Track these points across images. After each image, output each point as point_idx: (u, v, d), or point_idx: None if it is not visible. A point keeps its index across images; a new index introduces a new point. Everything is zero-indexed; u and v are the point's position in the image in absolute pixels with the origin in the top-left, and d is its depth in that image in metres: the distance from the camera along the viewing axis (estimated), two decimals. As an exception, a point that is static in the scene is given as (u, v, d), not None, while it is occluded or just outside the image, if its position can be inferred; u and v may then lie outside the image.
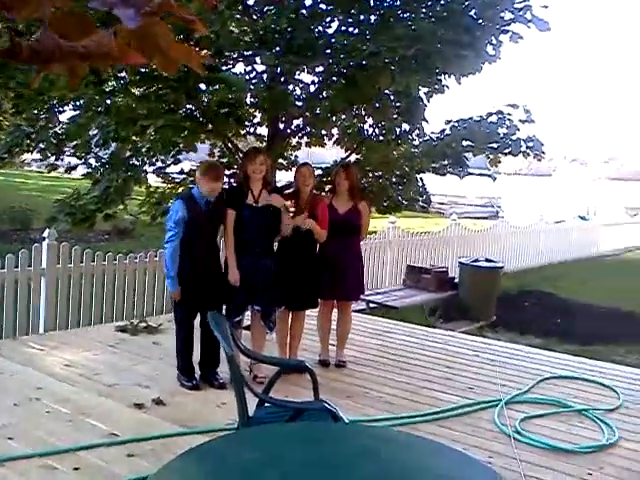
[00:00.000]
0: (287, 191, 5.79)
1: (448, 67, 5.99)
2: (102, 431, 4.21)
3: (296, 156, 8.16)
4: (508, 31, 5.79)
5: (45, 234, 6.54)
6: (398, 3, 6.14)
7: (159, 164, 7.05)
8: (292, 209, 5.42)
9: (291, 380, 4.98)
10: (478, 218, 24.47)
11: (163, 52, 1.06)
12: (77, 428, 4.24)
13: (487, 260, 10.61)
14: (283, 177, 8.78)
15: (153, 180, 7.37)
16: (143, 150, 6.55)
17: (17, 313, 6.34)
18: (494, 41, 5.87)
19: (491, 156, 7.93)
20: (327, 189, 6.50)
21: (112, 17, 1.00)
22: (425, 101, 7.48)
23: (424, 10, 5.85)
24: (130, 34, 0.99)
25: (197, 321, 5.22)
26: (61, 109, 6.64)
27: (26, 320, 6.43)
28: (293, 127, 7.26)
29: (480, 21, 5.67)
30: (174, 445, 3.93)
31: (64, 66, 1.10)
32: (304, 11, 6.24)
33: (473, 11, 5.82)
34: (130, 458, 3.87)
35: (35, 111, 6.43)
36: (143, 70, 5.41)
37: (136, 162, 6.60)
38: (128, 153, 6.57)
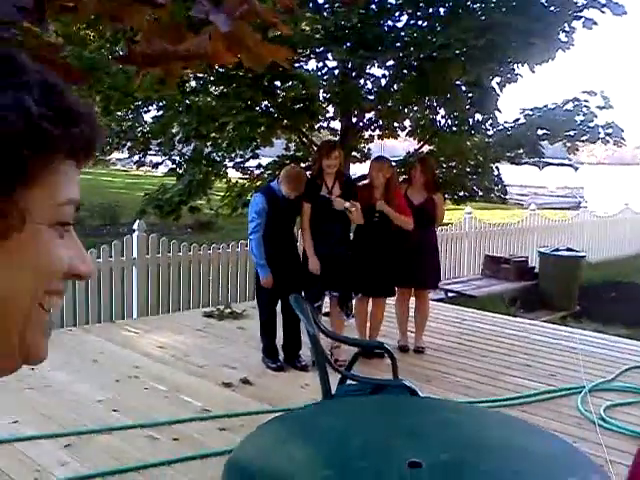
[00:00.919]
0: (361, 183, 5.92)
1: (518, 56, 5.98)
2: (195, 407, 4.52)
3: (369, 149, 8.30)
4: (581, 17, 5.71)
5: (135, 226, 6.96)
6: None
7: (238, 159, 7.34)
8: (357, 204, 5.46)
9: (371, 364, 5.16)
10: (559, 209, 23.82)
11: (251, 51, 1.24)
12: (173, 403, 4.58)
13: (568, 249, 10.41)
14: (357, 170, 8.93)
15: (233, 174, 7.69)
16: (223, 145, 6.85)
17: (113, 299, 6.80)
18: (566, 28, 5.81)
19: (568, 144, 7.83)
20: (402, 180, 6.59)
21: (205, 22, 1.18)
22: (498, 91, 7.48)
23: (493, 2, 5.86)
24: (223, 36, 1.16)
25: (279, 307, 5.45)
26: (146, 109, 7.02)
27: (121, 306, 6.89)
28: (365, 120, 7.40)
29: (552, 8, 5.63)
30: (262, 421, 4.13)
31: (164, 67, 1.30)
32: (373, 6, 6.37)
33: (545, -1, 5.78)
34: (222, 432, 4.14)
35: (121, 112, 6.85)
36: (221, 70, 5.68)
37: (217, 157, 6.92)
38: (209, 149, 6.89)
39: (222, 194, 7.61)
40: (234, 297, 7.68)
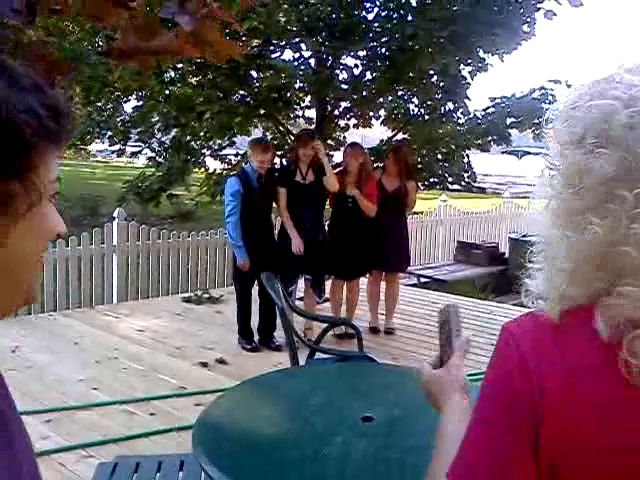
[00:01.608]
0: (336, 170, 6.14)
1: (484, 46, 6.23)
2: (172, 385, 4.74)
3: (344, 137, 8.52)
4: (541, 8, 5.98)
5: (115, 214, 7.13)
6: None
7: (215, 147, 7.53)
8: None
9: (342, 344, 5.41)
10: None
11: (212, 46, 1.46)
12: (150, 382, 4.78)
13: (537, 235, 10.71)
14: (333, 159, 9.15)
15: (211, 164, 7.87)
16: (201, 134, 7.03)
17: (93, 285, 6.98)
18: (528, 19, 6.07)
19: (536, 132, 8.11)
20: (376, 167, 6.82)
21: (172, 22, 1.40)
22: (469, 79, 7.73)
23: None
24: (187, 34, 1.38)
25: (255, 291, 5.66)
26: (126, 99, 7.18)
27: (101, 292, 7.07)
28: (341, 109, 7.62)
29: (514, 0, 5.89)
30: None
31: (138, 60, 1.52)
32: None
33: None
34: (198, 407, 4.29)
35: (101, 102, 7.00)
36: (198, 61, 5.86)
37: (195, 146, 7.10)
38: (188, 138, 7.08)
39: (199, 184, 7.79)
40: (212, 283, 7.88)
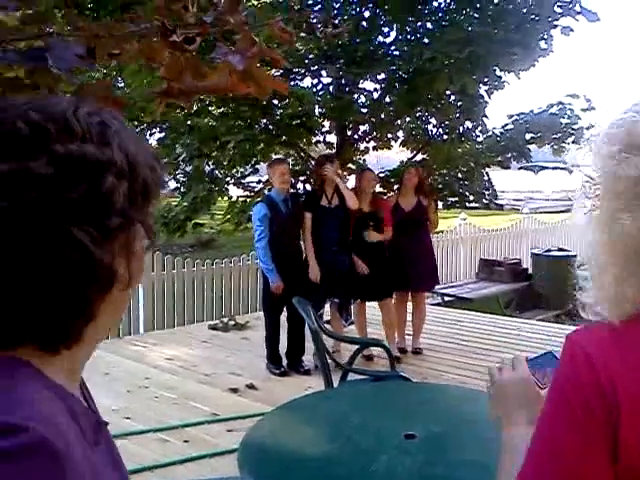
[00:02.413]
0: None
1: (502, 65, 6.32)
2: (204, 412, 4.77)
3: (364, 160, 8.62)
4: (558, 25, 6.06)
5: (139, 245, 7.21)
6: (452, 7, 6.53)
7: (238, 175, 7.66)
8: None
9: (370, 366, 5.47)
10: (555, 212, 24.10)
11: (259, 83, 1.55)
12: (183, 409, 4.83)
13: (560, 250, 10.69)
14: (353, 181, 9.23)
15: (234, 192, 8.00)
16: (224, 163, 7.16)
17: (120, 317, 7.05)
18: (545, 36, 6.15)
19: (555, 146, 8.16)
20: (395, 188, 6.90)
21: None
22: (486, 98, 7.82)
23: (476, 14, 6.22)
24: (238, 72, 1.47)
25: (283, 316, 5.72)
26: (150, 132, 7.35)
27: (128, 322, 7.14)
28: (360, 133, 7.73)
29: (532, 16, 5.98)
30: (269, 421, 4.43)
31: (189, 99, 1.61)
32: (364, 23, 6.71)
33: (524, 9, 6.13)
34: (230, 433, 4.37)
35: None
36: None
37: (219, 174, 7.23)
38: (211, 167, 7.21)
39: (223, 212, 7.89)
40: (237, 310, 7.92)
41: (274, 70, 6.39)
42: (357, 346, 4.78)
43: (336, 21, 6.63)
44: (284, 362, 5.71)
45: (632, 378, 0.76)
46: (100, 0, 5.21)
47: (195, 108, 6.69)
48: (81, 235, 0.64)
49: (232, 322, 7.25)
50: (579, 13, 5.86)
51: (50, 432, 0.61)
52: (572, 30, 6.03)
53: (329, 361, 4.00)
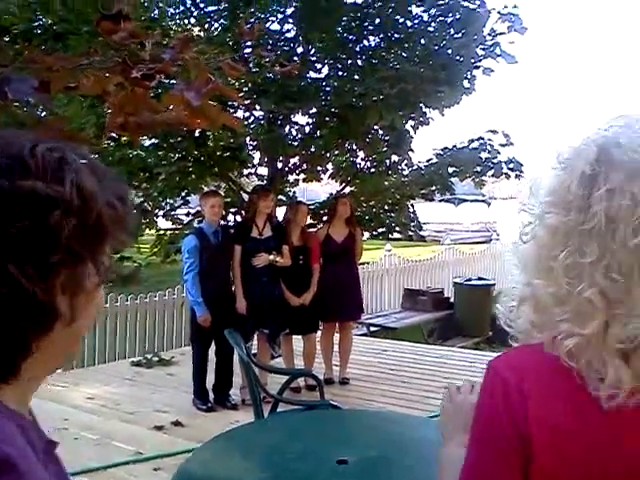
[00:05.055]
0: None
1: (428, 102, 6.59)
2: (128, 451, 4.57)
3: (294, 192, 8.72)
4: (480, 66, 6.41)
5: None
6: (382, 46, 6.79)
7: (167, 207, 7.59)
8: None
9: (299, 397, 5.48)
10: (473, 243, 24.90)
11: (210, 117, 1.60)
12: (104, 450, 4.60)
13: (479, 279, 11.06)
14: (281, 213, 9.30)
15: (163, 224, 7.90)
16: (154, 195, 7.08)
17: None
18: (469, 76, 6.49)
19: (476, 180, 8.51)
20: (324, 219, 6.99)
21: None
22: (412, 133, 8.11)
23: (405, 53, 6.49)
24: (192, 107, 1.52)
25: (211, 350, 5.64)
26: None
27: (44, 362, 6.80)
28: (290, 165, 7.83)
29: (457, 57, 6.31)
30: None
31: (139, 134, 1.65)
32: (296, 58, 6.86)
33: (449, 50, 6.46)
34: (156, 472, 4.24)
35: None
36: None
37: (148, 207, 7.14)
38: (140, 199, 7.11)
39: (149, 245, 7.76)
40: (161, 345, 7.69)
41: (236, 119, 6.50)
42: (285, 378, 4.77)
43: (267, 56, 6.77)
44: (211, 397, 5.62)
45: (543, 406, 0.85)
46: (31, 30, 5.13)
47: (125, 139, 6.63)
48: (15, 270, 0.63)
49: (156, 358, 7.04)
50: (499, 56, 6.24)
51: (13, 451, 0.63)
52: (492, 71, 6.40)
53: (262, 394, 4.00)
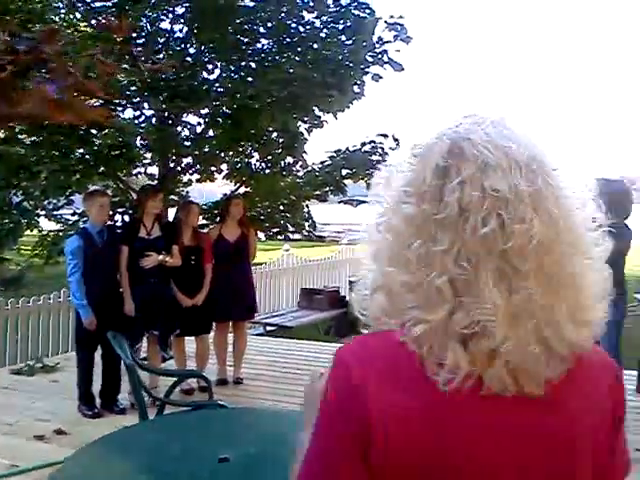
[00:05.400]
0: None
1: (320, 105, 6.71)
2: (4, 465, 4.32)
3: (187, 192, 8.62)
4: (369, 72, 6.61)
5: None
6: (274, 49, 6.84)
7: (51, 207, 7.28)
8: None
9: (192, 399, 5.41)
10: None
11: (77, 111, 1.58)
12: (-23, 466, 4.34)
13: (374, 278, 11.28)
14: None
15: (46, 225, 7.56)
16: (35, 194, 6.79)
17: None
18: (358, 81, 6.67)
19: (368, 182, 8.71)
20: (217, 220, 6.94)
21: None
22: (306, 135, 8.22)
23: (297, 57, 6.57)
24: (55, 101, 1.50)
25: (98, 354, 5.47)
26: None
27: None
28: (183, 165, 7.73)
29: (347, 63, 6.47)
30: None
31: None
32: (189, 58, 6.79)
33: (340, 57, 6.60)
34: (35, 484, 4.06)
35: None
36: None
37: (28, 206, 6.83)
38: (20, 198, 6.80)
39: (31, 246, 7.42)
40: (45, 351, 7.27)
41: (94, 100, 6.28)
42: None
43: (160, 55, 6.66)
44: (98, 402, 5.46)
45: (384, 392, 0.87)
46: None
47: (3, 136, 6.31)
48: None
49: (39, 365, 6.67)
50: (387, 63, 6.45)
51: None
52: (381, 77, 6.61)
53: (146, 397, 3.92)
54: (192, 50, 6.90)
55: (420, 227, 0.89)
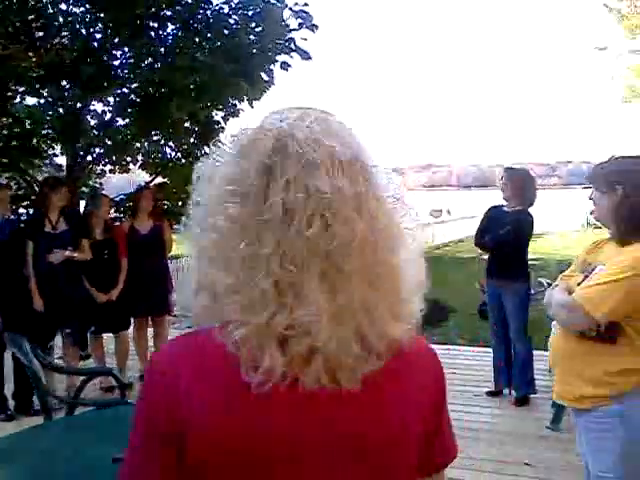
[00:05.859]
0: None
1: (230, 93, 6.59)
2: None
3: (100, 183, 8.35)
4: (278, 61, 6.53)
5: None
6: (180, 35, 6.65)
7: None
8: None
9: (112, 395, 5.28)
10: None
11: None
12: None
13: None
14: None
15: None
16: None
17: None
18: (267, 69, 6.58)
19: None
20: (130, 212, 6.75)
21: None
22: (223, 124, 8.07)
23: (205, 44, 6.41)
24: None
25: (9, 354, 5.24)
26: None
27: None
28: (94, 155, 7.46)
29: (254, 51, 6.36)
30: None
31: None
32: (95, 43, 6.52)
33: (247, 44, 6.49)
34: None
35: None
36: None
37: None
38: None
39: None
40: None
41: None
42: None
43: (64, 40, 6.37)
44: (11, 404, 5.24)
45: (198, 395, 0.87)
46: None
47: None
48: None
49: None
50: (294, 51, 6.39)
51: None
52: (290, 66, 6.55)
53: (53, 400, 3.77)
54: (98, 35, 6.62)
55: (245, 228, 0.87)
